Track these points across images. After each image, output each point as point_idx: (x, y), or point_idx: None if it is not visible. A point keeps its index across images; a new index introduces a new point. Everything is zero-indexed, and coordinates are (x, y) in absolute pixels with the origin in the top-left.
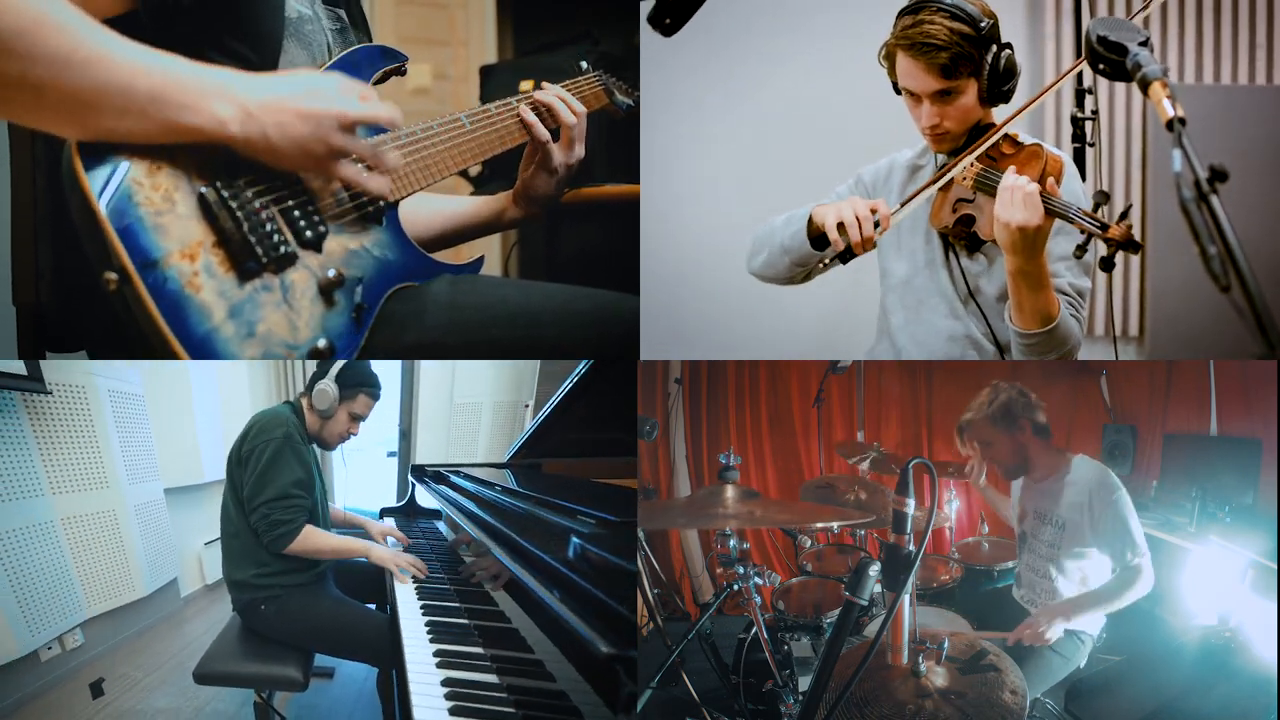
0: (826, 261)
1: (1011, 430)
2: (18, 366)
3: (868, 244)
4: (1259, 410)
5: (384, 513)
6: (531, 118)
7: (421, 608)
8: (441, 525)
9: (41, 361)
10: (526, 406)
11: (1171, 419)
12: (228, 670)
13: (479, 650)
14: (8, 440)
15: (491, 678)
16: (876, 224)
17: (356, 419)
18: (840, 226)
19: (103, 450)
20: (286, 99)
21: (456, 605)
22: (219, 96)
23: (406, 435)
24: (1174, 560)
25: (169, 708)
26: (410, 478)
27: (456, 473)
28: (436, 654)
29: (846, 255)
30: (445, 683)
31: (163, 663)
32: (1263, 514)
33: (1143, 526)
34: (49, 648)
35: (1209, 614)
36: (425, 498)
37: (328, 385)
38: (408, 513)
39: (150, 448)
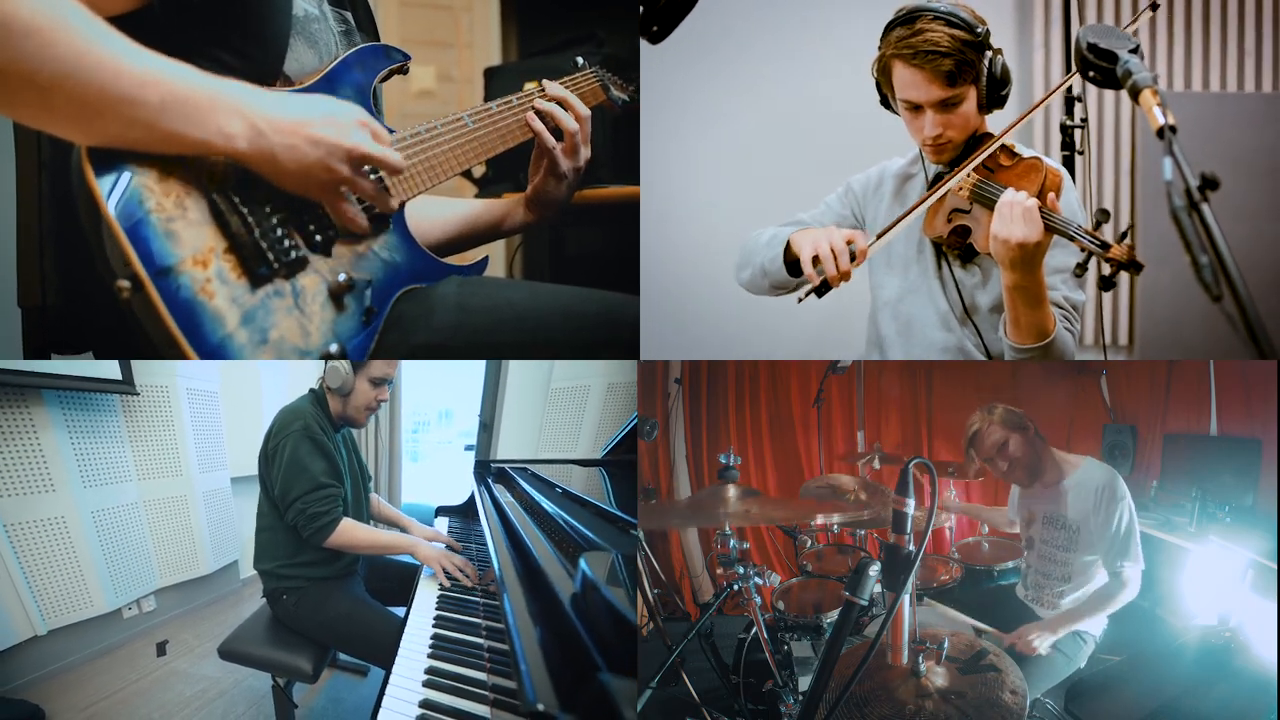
0: (802, 296)
1: (1020, 429)
2: (114, 370)
3: (844, 277)
4: (1259, 410)
5: (440, 511)
6: (539, 125)
7: (435, 619)
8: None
9: (133, 362)
10: None
11: (1171, 419)
12: (247, 651)
13: (481, 677)
14: (107, 435)
15: (481, 710)
16: (853, 256)
17: (379, 383)
18: (815, 260)
19: (179, 442)
20: (300, 122)
21: (477, 621)
22: (230, 111)
23: (488, 427)
24: (1174, 560)
25: (212, 676)
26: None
27: (524, 471)
28: (428, 671)
29: (822, 289)
30: (423, 704)
31: (217, 634)
32: (1263, 514)
33: (1143, 526)
34: (130, 608)
35: (1209, 614)
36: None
37: (338, 362)
38: (466, 513)
39: (220, 440)
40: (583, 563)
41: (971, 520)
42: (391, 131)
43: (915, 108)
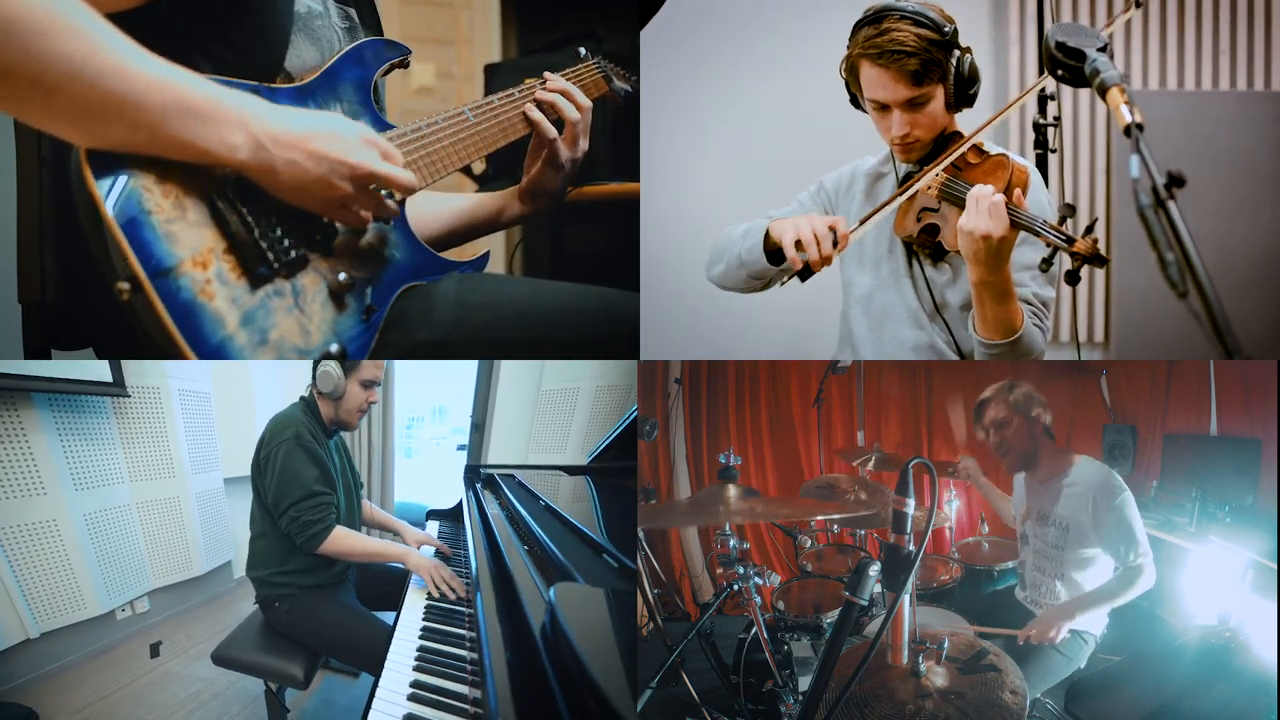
0: (784, 280)
1: (1027, 415)
2: (105, 372)
3: (826, 262)
4: (1259, 410)
5: (430, 515)
6: (537, 115)
7: (421, 630)
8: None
9: (124, 364)
10: None
11: (1171, 419)
12: (240, 657)
13: (463, 690)
14: (99, 437)
15: None
16: (835, 242)
17: (370, 385)
18: (798, 244)
19: (171, 444)
20: (302, 137)
21: (462, 634)
22: (232, 122)
23: (480, 428)
24: (1174, 560)
25: (206, 677)
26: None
27: (511, 477)
28: (413, 685)
29: (805, 273)
30: (406, 718)
31: (211, 636)
32: (1263, 514)
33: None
34: (123, 610)
35: (1209, 614)
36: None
37: (328, 366)
38: (456, 517)
39: (213, 441)
40: (552, 594)
41: (972, 520)
42: (392, 127)
43: (882, 107)
